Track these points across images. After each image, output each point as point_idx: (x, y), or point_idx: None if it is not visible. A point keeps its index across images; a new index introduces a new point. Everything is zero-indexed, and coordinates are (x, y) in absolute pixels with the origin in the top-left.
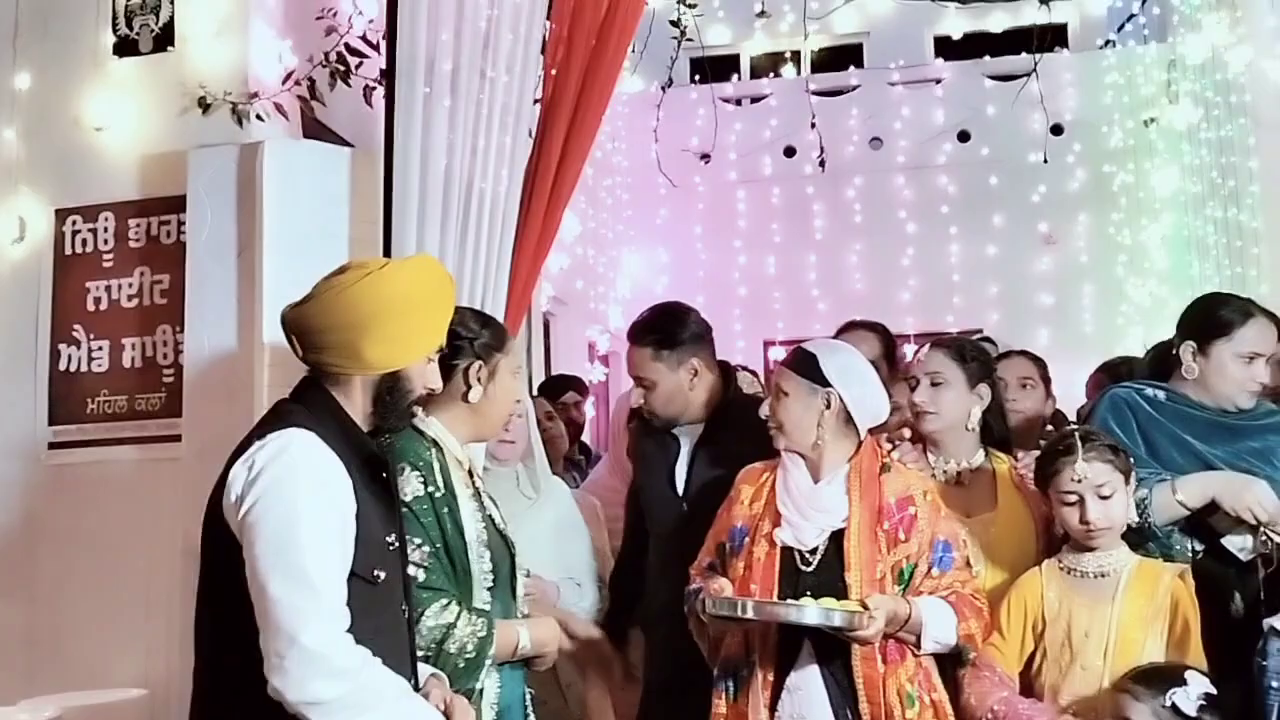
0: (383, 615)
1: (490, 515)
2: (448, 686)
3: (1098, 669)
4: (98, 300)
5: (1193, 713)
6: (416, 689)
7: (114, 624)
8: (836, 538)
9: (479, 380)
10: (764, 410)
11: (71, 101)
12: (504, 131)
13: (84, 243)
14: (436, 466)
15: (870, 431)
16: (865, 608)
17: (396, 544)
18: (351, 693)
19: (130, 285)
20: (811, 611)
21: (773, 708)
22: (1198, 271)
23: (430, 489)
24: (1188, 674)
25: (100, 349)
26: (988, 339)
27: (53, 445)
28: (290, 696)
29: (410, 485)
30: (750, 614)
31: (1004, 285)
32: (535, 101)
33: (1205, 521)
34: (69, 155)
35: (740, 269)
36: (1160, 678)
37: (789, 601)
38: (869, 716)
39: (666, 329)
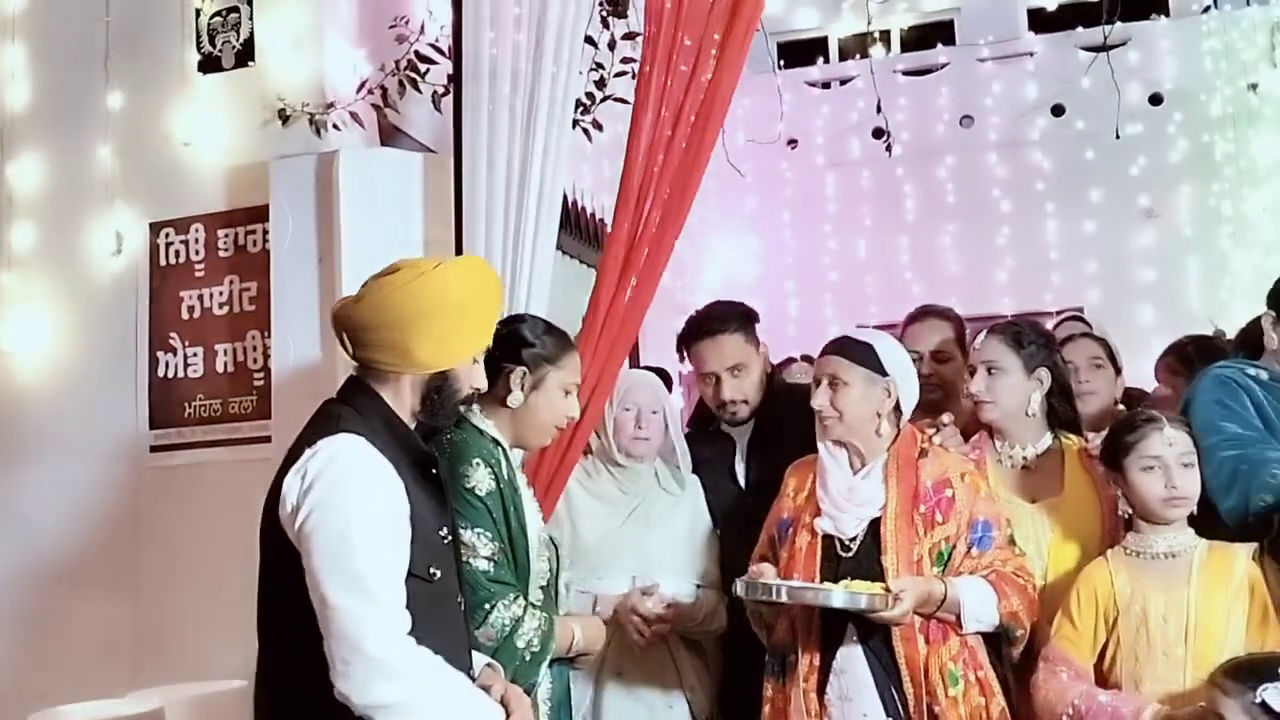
0: (442, 611)
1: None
2: (503, 676)
3: (1180, 656)
4: (191, 309)
5: None
6: (472, 679)
7: (214, 618)
8: (874, 524)
9: (520, 387)
10: (819, 400)
11: (161, 118)
12: (552, 123)
13: (177, 254)
14: (503, 463)
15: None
16: (888, 590)
17: (450, 538)
18: (416, 694)
19: (221, 294)
20: (837, 595)
21: (820, 690)
22: None
23: (501, 485)
24: None
25: (195, 355)
26: (1078, 317)
27: (154, 448)
28: (357, 700)
29: (484, 481)
30: (779, 597)
31: (1103, 262)
32: (607, 99)
33: None
34: (160, 170)
35: (830, 254)
36: (1251, 671)
37: (816, 585)
38: (913, 696)
39: (743, 312)
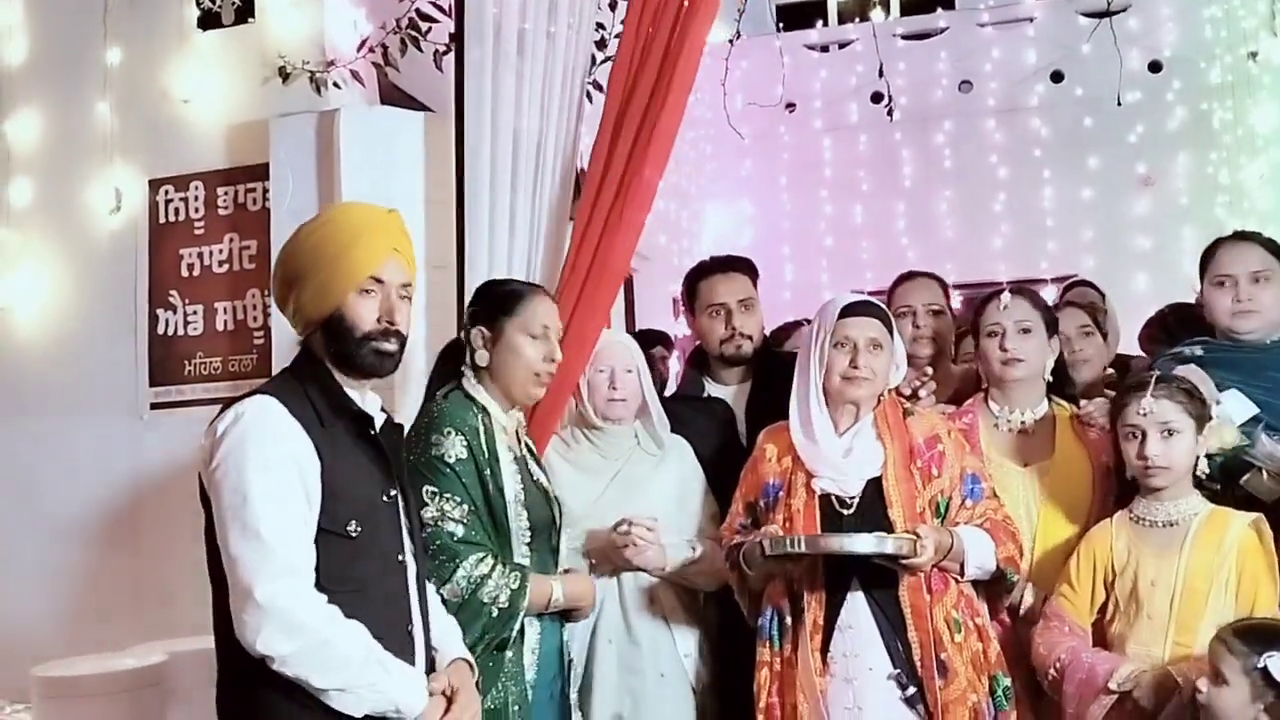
0: (366, 568)
1: (537, 479)
2: (467, 678)
3: (1163, 619)
4: (191, 266)
5: None
6: (428, 643)
7: None
8: (874, 481)
9: (482, 344)
10: (865, 360)
11: (160, 75)
12: (566, 88)
13: (176, 211)
14: (481, 430)
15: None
16: (917, 535)
17: (396, 498)
18: (309, 649)
19: (220, 251)
20: (866, 540)
21: (824, 649)
22: None
23: (475, 452)
24: None
25: (195, 313)
26: (1087, 282)
27: (154, 405)
28: (252, 649)
29: (455, 449)
30: (807, 548)
31: (1100, 229)
32: (607, 59)
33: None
34: (159, 127)
35: (827, 219)
36: (1261, 636)
37: (845, 534)
38: (919, 645)
39: (751, 263)
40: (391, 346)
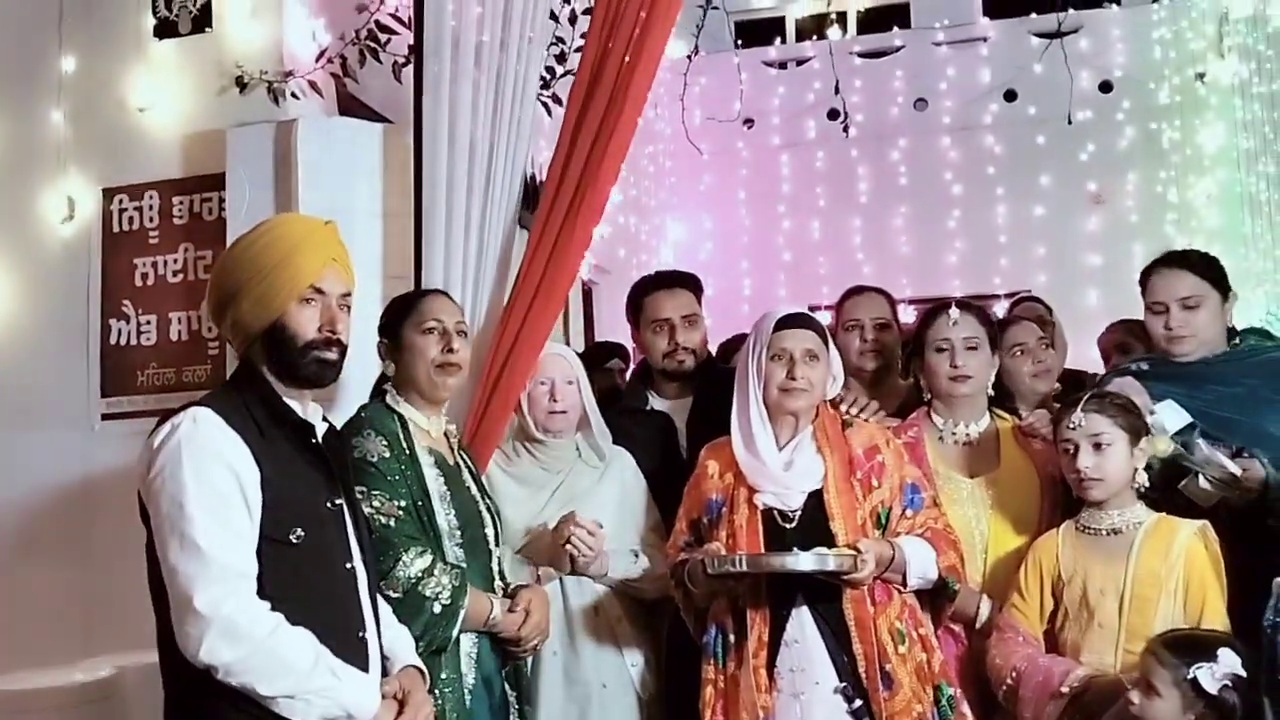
0: (312, 575)
1: (465, 487)
2: (418, 682)
3: (1113, 627)
4: (145, 276)
5: (1213, 691)
6: (379, 646)
7: None
8: (815, 494)
9: (385, 354)
10: (802, 371)
11: (115, 83)
12: (518, 100)
13: (130, 220)
14: (400, 433)
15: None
16: (858, 551)
17: (339, 505)
18: (251, 656)
19: (175, 261)
20: (808, 559)
21: (770, 665)
22: (1250, 229)
23: (396, 452)
24: (1221, 650)
25: (148, 323)
26: (1035, 298)
27: (105, 416)
28: (194, 658)
29: (376, 448)
30: (749, 567)
31: (1052, 246)
32: (568, 73)
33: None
34: (114, 136)
35: (784, 234)
36: (1190, 647)
37: (783, 552)
38: (864, 657)
39: (695, 279)
40: (333, 355)
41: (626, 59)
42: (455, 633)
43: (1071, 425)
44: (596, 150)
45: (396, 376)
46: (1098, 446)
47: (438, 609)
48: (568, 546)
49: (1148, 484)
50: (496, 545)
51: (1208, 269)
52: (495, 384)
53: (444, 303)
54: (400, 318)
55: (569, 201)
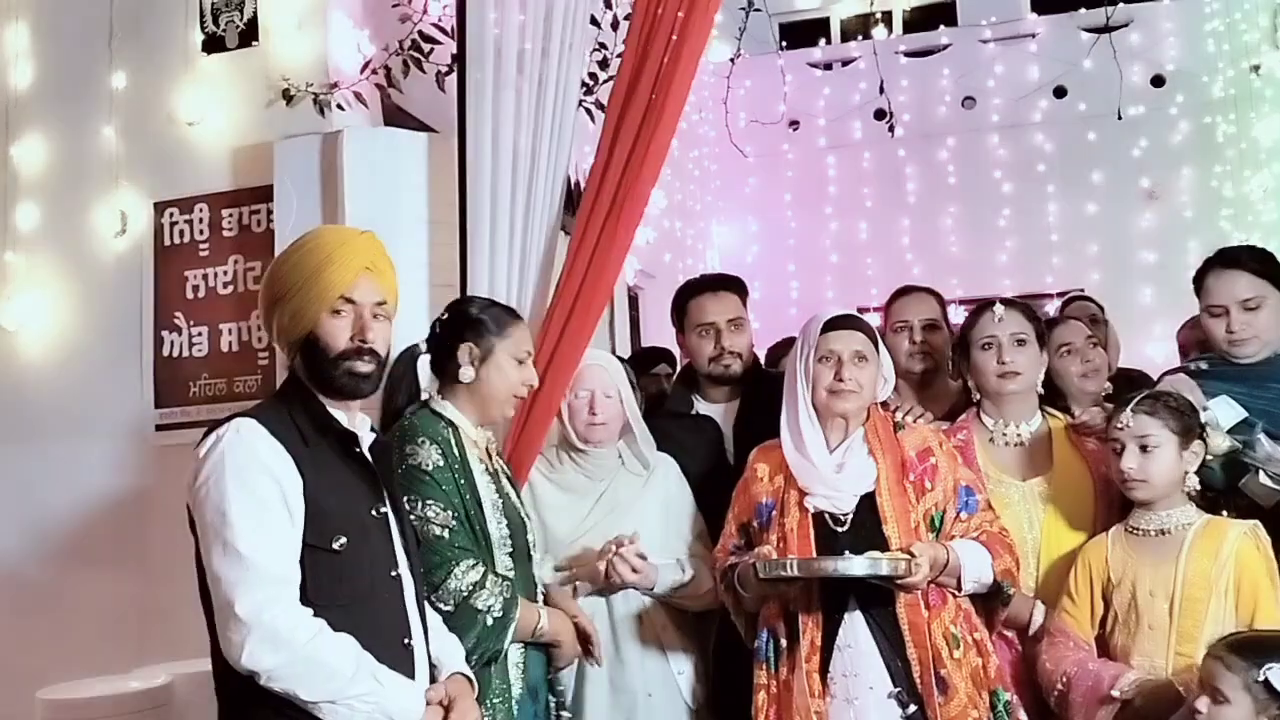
0: (355, 582)
1: (508, 495)
2: (465, 689)
3: (1164, 630)
4: (196, 288)
5: None
6: (427, 654)
7: None
8: (867, 497)
9: (470, 361)
10: (850, 373)
11: (165, 98)
12: (560, 106)
13: (181, 234)
14: (452, 440)
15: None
16: (911, 555)
17: (385, 513)
18: (292, 662)
19: (225, 273)
20: (861, 563)
21: (823, 669)
22: None
23: (449, 460)
24: None
25: (200, 335)
26: (1086, 297)
27: (159, 427)
28: (239, 665)
29: (431, 457)
30: (800, 571)
31: (1105, 243)
32: (610, 79)
33: None
34: (164, 150)
35: (831, 236)
36: (1256, 648)
37: (836, 557)
38: (918, 662)
39: (741, 282)
40: (367, 367)
41: (665, 61)
42: (507, 645)
43: (1120, 425)
44: (636, 153)
45: (463, 385)
46: (1144, 448)
47: (490, 621)
48: (611, 575)
49: (1199, 487)
50: (535, 551)
51: (1265, 266)
52: (537, 392)
53: (529, 334)
54: (494, 333)
55: (609, 205)
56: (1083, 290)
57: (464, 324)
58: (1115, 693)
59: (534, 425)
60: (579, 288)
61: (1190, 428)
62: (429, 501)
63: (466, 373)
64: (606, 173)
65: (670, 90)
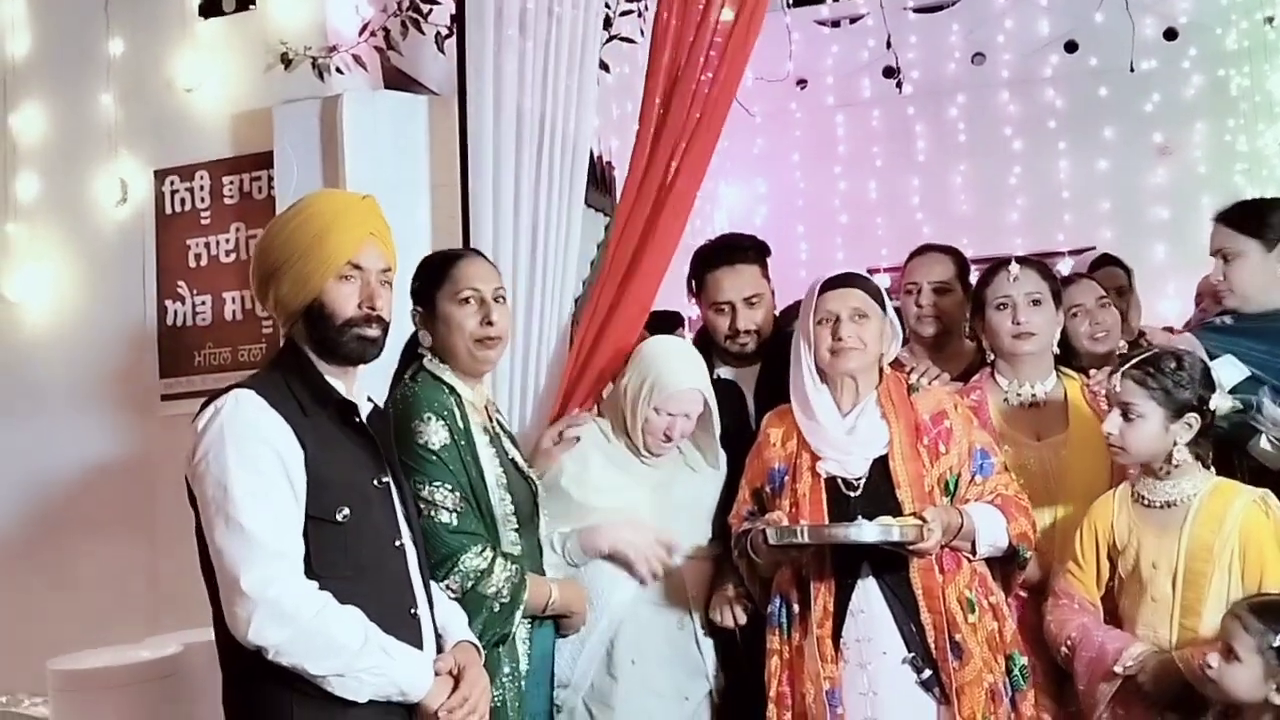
0: (360, 553)
1: (512, 458)
2: (473, 657)
3: (1167, 602)
4: (198, 256)
5: None
6: (412, 623)
7: None
8: (880, 461)
9: (420, 323)
10: (847, 330)
11: (163, 64)
12: (573, 69)
13: (182, 202)
14: (457, 413)
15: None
16: (923, 520)
17: (387, 484)
18: (298, 636)
19: (227, 241)
20: (872, 529)
21: (836, 635)
22: None
23: (455, 436)
24: None
25: (203, 303)
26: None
27: (165, 397)
28: (241, 639)
29: (438, 434)
30: (811, 538)
31: (1117, 200)
32: (611, 38)
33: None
34: (163, 117)
35: (841, 195)
36: (1276, 613)
37: (849, 522)
38: (932, 626)
39: (760, 245)
40: (374, 332)
41: (706, 58)
42: (514, 627)
43: (1110, 385)
44: (687, 147)
45: (434, 346)
46: (1126, 415)
47: (497, 607)
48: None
49: (1190, 459)
50: (539, 512)
51: (1244, 221)
52: (574, 384)
53: (480, 267)
54: (433, 285)
55: (652, 200)
56: (1094, 247)
57: (411, 290)
58: (1118, 669)
59: (577, 401)
60: (621, 279)
61: (1185, 401)
62: (437, 484)
63: (424, 336)
64: (653, 158)
65: (732, 55)
